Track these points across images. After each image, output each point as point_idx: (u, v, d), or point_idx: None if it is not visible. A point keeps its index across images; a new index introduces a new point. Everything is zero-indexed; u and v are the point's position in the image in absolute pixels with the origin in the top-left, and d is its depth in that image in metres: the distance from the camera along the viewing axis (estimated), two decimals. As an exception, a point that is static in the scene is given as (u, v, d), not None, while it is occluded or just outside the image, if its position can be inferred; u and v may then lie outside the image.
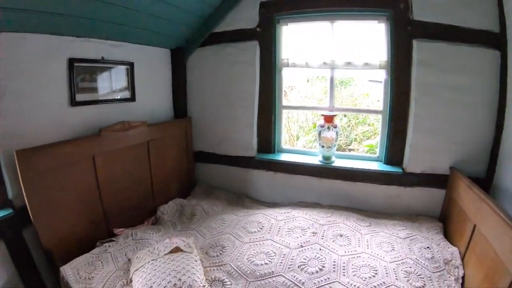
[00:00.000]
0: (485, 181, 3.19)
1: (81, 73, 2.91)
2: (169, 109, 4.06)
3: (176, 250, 2.63)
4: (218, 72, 3.91)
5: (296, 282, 2.48)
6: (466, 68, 3.16)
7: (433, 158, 3.43)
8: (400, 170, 3.59)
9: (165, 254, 2.56)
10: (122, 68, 3.30)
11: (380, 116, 3.79)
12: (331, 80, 3.79)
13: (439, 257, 2.82)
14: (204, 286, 2.42)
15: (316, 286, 2.45)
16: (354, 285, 2.44)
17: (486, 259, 2.31)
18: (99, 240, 2.92)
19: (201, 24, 3.81)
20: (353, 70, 3.69)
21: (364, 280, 2.48)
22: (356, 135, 5.19)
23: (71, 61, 2.81)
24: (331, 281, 2.48)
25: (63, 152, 2.63)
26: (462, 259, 2.73)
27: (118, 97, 3.29)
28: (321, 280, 2.49)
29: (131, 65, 3.37)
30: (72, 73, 2.82)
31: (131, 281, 2.44)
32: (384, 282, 2.45)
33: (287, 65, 3.83)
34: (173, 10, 3.21)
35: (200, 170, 4.26)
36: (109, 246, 2.83)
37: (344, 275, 2.55)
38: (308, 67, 3.76)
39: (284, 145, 4.17)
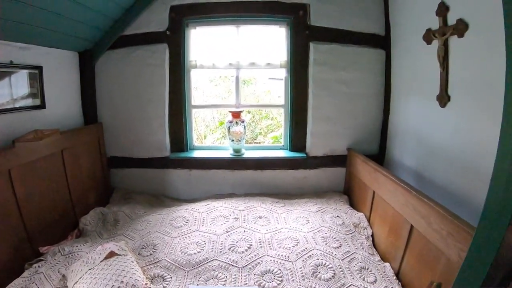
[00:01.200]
0: (379, 157, 3.89)
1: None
2: (79, 115, 3.86)
3: (111, 255, 2.62)
4: (127, 75, 3.88)
5: (230, 262, 2.70)
6: (356, 65, 3.79)
7: (332, 142, 3.98)
8: (304, 155, 4.03)
9: (101, 261, 2.54)
10: (31, 73, 3.05)
11: (282, 110, 4.22)
12: (237, 79, 4.06)
13: (349, 222, 3.29)
14: (146, 284, 2.51)
15: (248, 263, 2.69)
16: (281, 255, 2.74)
17: (387, 216, 2.87)
18: (27, 263, 2.74)
19: (111, 26, 3.71)
20: (256, 69, 4.03)
21: (289, 249, 2.79)
22: (260, 129, 5.50)
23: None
24: (261, 256, 2.75)
25: None
26: (368, 221, 3.27)
27: (28, 105, 3.04)
28: (252, 257, 2.74)
29: (40, 70, 3.12)
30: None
31: None
32: (306, 248, 2.80)
33: (195, 67, 3.98)
34: (82, 9, 3.07)
35: (116, 176, 4.18)
36: (39, 266, 2.67)
37: (270, 249, 2.83)
38: (215, 68, 3.98)
39: (195, 143, 4.33)
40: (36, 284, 2.49)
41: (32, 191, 2.89)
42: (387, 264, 2.72)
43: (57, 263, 2.74)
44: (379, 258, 2.86)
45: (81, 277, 2.41)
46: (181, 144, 4.12)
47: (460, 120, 2.54)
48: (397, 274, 2.60)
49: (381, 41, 3.78)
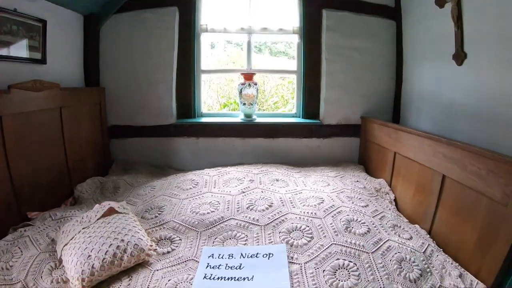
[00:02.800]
0: (393, 125, 3.52)
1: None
2: (81, 78, 3.43)
3: (110, 212, 2.16)
4: (134, 39, 3.48)
5: (250, 221, 2.26)
6: (368, 34, 3.54)
7: (346, 110, 3.63)
8: (318, 121, 3.63)
9: (98, 219, 2.08)
10: (35, 25, 2.70)
11: (295, 76, 3.82)
12: (248, 45, 3.70)
13: (370, 187, 2.91)
14: (151, 245, 2.04)
15: (270, 220, 2.25)
16: (307, 212, 2.31)
17: (413, 175, 2.60)
18: (11, 227, 2.27)
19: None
20: (269, 34, 3.71)
21: (315, 207, 2.37)
22: (268, 106, 5.08)
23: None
24: (284, 214, 2.31)
25: None
26: (390, 185, 2.94)
27: (28, 56, 2.66)
28: (274, 215, 2.31)
29: (44, 24, 2.77)
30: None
31: (61, 261, 1.91)
32: (333, 205, 2.39)
33: (206, 31, 3.61)
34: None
35: (116, 147, 3.70)
36: (25, 230, 2.21)
37: (294, 207, 2.40)
38: (226, 32, 3.65)
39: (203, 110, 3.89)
40: (20, 248, 2.04)
41: (25, 146, 2.45)
42: (416, 225, 2.41)
43: (46, 227, 2.28)
44: (407, 220, 2.50)
45: (72, 238, 1.95)
46: (188, 111, 3.69)
47: (478, 75, 2.41)
48: (429, 234, 2.33)
49: (392, 12, 3.55)
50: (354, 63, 3.55)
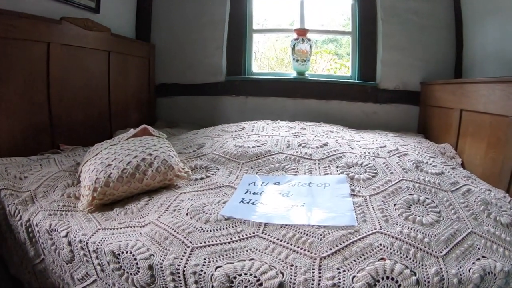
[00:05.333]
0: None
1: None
2: (132, 34, 3.11)
3: (143, 132, 1.74)
4: None
5: (302, 155, 1.72)
6: None
7: (404, 74, 3.01)
8: (375, 83, 3.04)
9: (128, 138, 1.65)
10: None
11: (349, 38, 3.25)
12: (301, 4, 3.19)
13: (434, 149, 2.25)
14: (183, 168, 1.56)
15: (326, 156, 1.69)
16: (369, 152, 1.73)
17: (484, 130, 2.01)
18: (40, 152, 1.90)
19: None
20: None
21: (376, 149, 1.78)
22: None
23: None
24: (342, 152, 1.73)
25: (14, 24, 1.73)
26: (456, 150, 2.30)
27: (83, 2, 2.41)
28: (330, 151, 1.74)
29: None
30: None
31: (79, 179, 1.49)
32: (397, 149, 1.80)
33: None
34: None
35: (162, 105, 3.33)
36: (53, 154, 1.86)
37: (352, 148, 1.82)
38: None
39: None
40: (41, 165, 1.66)
41: (68, 78, 2.18)
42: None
43: (75, 155, 1.89)
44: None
45: (97, 154, 1.51)
46: (238, 70, 3.23)
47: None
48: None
49: None
50: (412, 25, 2.96)
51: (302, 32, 2.98)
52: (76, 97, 2.26)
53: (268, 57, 4.71)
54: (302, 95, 3.06)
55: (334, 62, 4.55)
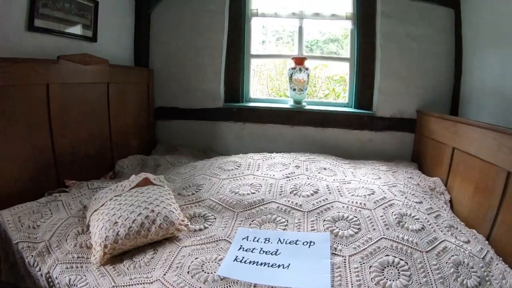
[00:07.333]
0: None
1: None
2: (130, 60, 3.38)
3: (145, 182, 2.00)
4: (185, 22, 3.39)
5: (293, 206, 1.99)
6: (425, 21, 3.17)
7: (401, 102, 3.24)
8: (371, 112, 3.29)
9: (131, 188, 1.92)
10: (87, 5, 2.68)
11: (347, 64, 3.49)
12: (300, 30, 3.45)
13: (424, 185, 2.52)
14: (183, 220, 1.83)
15: (315, 207, 1.97)
16: (356, 202, 2.00)
17: (473, 173, 2.23)
18: (47, 191, 2.17)
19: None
20: (321, 20, 3.46)
21: (364, 197, 2.06)
22: (318, 97, 4.75)
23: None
24: (330, 201, 2.02)
25: (13, 71, 1.92)
26: (445, 185, 2.55)
27: (79, 33, 2.65)
28: (319, 201, 2.02)
29: (96, 4, 2.74)
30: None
31: (88, 227, 1.77)
32: (385, 197, 2.06)
33: (256, 15, 3.42)
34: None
35: (161, 128, 3.60)
36: (60, 195, 2.12)
37: (341, 196, 2.09)
38: (277, 16, 3.45)
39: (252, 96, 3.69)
40: (50, 210, 1.94)
41: (69, 116, 2.41)
42: (473, 230, 2.02)
43: (81, 195, 2.18)
44: (463, 223, 2.09)
45: (103, 204, 1.79)
46: (236, 95, 3.50)
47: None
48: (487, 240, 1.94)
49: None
50: (411, 52, 3.16)
51: (300, 61, 3.22)
52: (78, 133, 2.49)
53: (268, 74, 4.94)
54: (298, 122, 3.32)
55: (333, 91, 4.77)
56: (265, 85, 5.02)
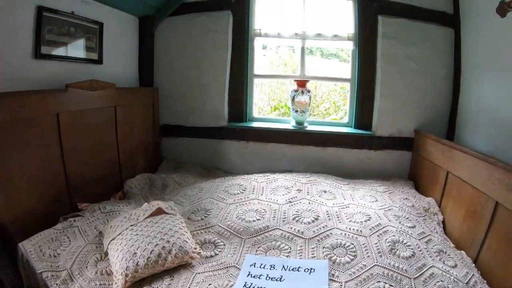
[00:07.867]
0: (447, 142, 3.28)
1: (49, 24, 2.37)
2: (135, 78, 3.56)
3: (158, 212, 2.19)
4: (188, 41, 3.55)
5: (295, 233, 2.21)
6: (425, 42, 3.29)
7: (399, 122, 3.41)
8: (370, 133, 3.47)
9: (145, 218, 2.12)
10: (92, 27, 2.81)
11: (348, 84, 3.68)
12: (302, 50, 3.61)
13: (418, 206, 2.73)
14: (196, 248, 2.04)
15: (315, 234, 2.18)
16: (353, 229, 2.21)
17: (464, 198, 2.41)
18: (62, 216, 2.36)
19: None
20: (323, 41, 3.60)
21: (361, 224, 2.27)
22: (318, 112, 4.97)
23: (40, 9, 2.27)
24: (329, 228, 2.23)
25: (23, 104, 2.03)
26: (439, 206, 2.74)
27: (85, 57, 2.79)
28: (319, 228, 2.23)
29: (100, 26, 2.88)
30: (40, 23, 2.28)
31: (106, 254, 1.97)
32: (380, 224, 2.27)
33: (260, 35, 3.56)
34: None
35: (166, 145, 3.79)
36: (74, 220, 2.29)
37: (340, 222, 2.30)
38: (280, 37, 3.57)
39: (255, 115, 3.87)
40: (68, 237, 2.12)
41: (79, 141, 2.55)
42: (462, 251, 2.22)
43: (95, 219, 2.37)
44: (453, 245, 2.32)
45: (120, 233, 2.00)
46: (239, 114, 3.68)
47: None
48: (474, 263, 2.13)
49: (450, 19, 3.24)
50: (411, 73, 3.32)
51: (302, 83, 3.42)
52: (88, 157, 2.64)
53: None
54: (300, 142, 3.51)
55: (334, 104, 4.95)
56: (267, 95, 5.24)
